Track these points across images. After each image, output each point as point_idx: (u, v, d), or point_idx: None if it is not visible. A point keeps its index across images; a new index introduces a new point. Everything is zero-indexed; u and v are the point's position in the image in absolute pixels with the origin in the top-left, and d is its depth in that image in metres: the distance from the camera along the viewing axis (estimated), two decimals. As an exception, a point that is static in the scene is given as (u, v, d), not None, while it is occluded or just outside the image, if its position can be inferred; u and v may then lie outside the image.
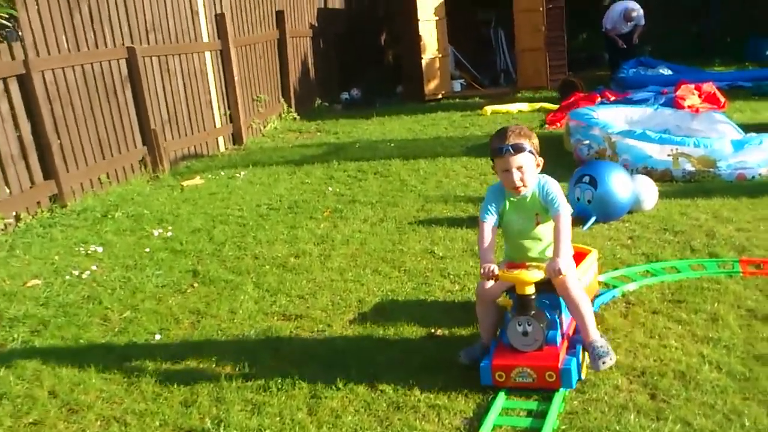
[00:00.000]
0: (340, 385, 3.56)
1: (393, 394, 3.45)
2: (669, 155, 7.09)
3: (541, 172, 3.57)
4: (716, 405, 3.17)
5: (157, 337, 4.29)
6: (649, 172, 7.07)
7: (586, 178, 5.81)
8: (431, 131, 10.73)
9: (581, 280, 3.71)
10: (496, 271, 3.42)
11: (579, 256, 3.99)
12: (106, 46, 8.33)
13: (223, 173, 8.63)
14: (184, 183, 8.18)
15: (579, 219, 5.75)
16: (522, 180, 3.45)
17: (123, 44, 8.57)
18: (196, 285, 5.06)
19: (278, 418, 3.33)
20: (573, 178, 5.97)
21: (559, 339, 3.44)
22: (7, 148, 6.85)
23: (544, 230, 3.57)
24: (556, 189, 3.51)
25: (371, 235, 5.87)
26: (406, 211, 6.49)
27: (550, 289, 3.48)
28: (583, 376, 3.45)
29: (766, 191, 6.25)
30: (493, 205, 3.57)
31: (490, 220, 3.55)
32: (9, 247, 6.16)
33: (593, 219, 5.73)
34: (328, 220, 6.43)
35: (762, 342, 3.68)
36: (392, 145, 9.68)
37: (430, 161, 8.39)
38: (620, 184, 5.76)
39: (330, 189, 7.53)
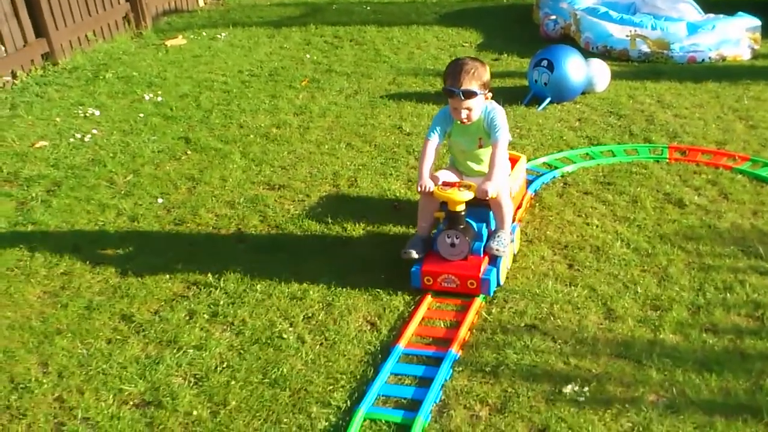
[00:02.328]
0: (318, 249, 4.44)
1: (363, 258, 4.31)
2: (627, 36, 7.79)
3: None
4: (619, 275, 4.09)
5: (159, 200, 5.11)
6: (608, 51, 7.82)
7: (544, 62, 6.52)
8: (407, -8, 11.23)
9: (512, 186, 4.37)
10: (432, 188, 3.97)
11: (510, 162, 4.48)
12: None
13: (204, 33, 9.19)
14: (168, 43, 8.76)
15: (536, 99, 6.54)
16: (468, 117, 3.99)
17: None
18: (189, 152, 5.84)
19: (267, 275, 4.21)
20: (532, 61, 6.68)
21: (483, 250, 4.04)
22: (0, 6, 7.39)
23: (485, 152, 4.13)
24: (500, 119, 4.01)
25: (346, 108, 6.63)
26: (378, 84, 7.21)
27: (479, 204, 4.04)
28: (501, 282, 4.06)
29: (711, 76, 7.04)
30: (440, 127, 4.12)
31: (434, 140, 4.09)
32: (10, 105, 6.85)
33: (548, 100, 6.50)
34: (306, 90, 7.14)
35: (668, 223, 4.57)
36: (368, 8, 10.20)
37: (403, 29, 9.00)
38: (575, 69, 6.49)
39: (308, 56, 8.19)
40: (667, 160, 5.42)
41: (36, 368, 3.57)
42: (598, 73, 6.76)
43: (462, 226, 3.99)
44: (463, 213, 3.99)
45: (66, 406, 3.32)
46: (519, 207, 4.69)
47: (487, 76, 4.02)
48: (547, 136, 5.90)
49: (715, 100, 6.50)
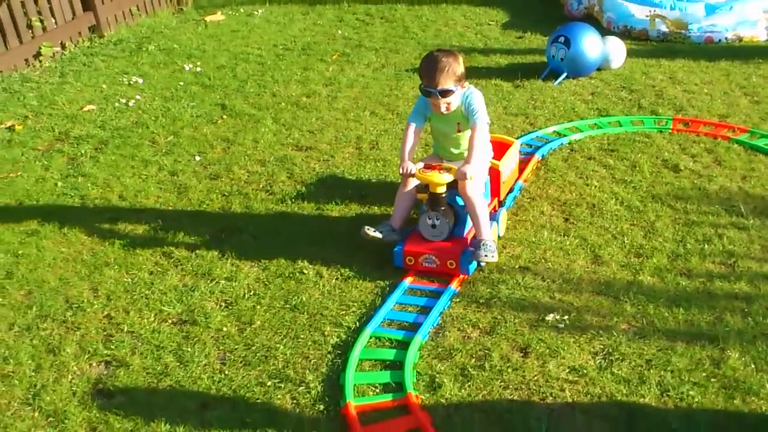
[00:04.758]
0: (338, 202, 4.99)
1: (380, 210, 4.86)
2: (647, 16, 8.23)
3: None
4: (609, 228, 4.59)
5: (197, 158, 5.71)
6: (628, 31, 8.26)
7: (562, 38, 6.98)
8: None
9: (507, 168, 4.73)
10: (414, 171, 4.18)
11: (503, 147, 4.89)
12: None
13: (242, 10, 9.79)
14: (207, 18, 9.37)
15: (553, 74, 7.02)
16: (447, 108, 4.14)
17: None
18: (224, 117, 6.44)
19: (292, 222, 4.79)
20: (551, 37, 7.15)
21: (465, 232, 4.30)
22: (50, -19, 8.04)
23: (465, 136, 4.28)
24: (478, 102, 4.15)
25: (373, 80, 7.17)
26: (405, 59, 7.74)
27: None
28: (483, 265, 4.27)
29: (724, 55, 7.46)
30: (421, 112, 4.30)
31: (415, 124, 4.29)
32: (60, 73, 7.53)
33: (564, 75, 6.97)
34: (337, 63, 7.70)
35: (661, 185, 5.05)
36: (400, -14, 10.75)
37: (432, 8, 9.50)
38: (591, 45, 6.95)
39: (339, 32, 8.74)
40: (670, 131, 5.88)
41: (87, 292, 4.19)
42: (614, 50, 7.20)
43: (443, 208, 4.22)
44: (444, 195, 4.20)
45: (114, 322, 3.94)
46: (515, 183, 5.05)
47: (461, 69, 4.12)
48: (559, 107, 6.39)
49: (725, 77, 6.92)
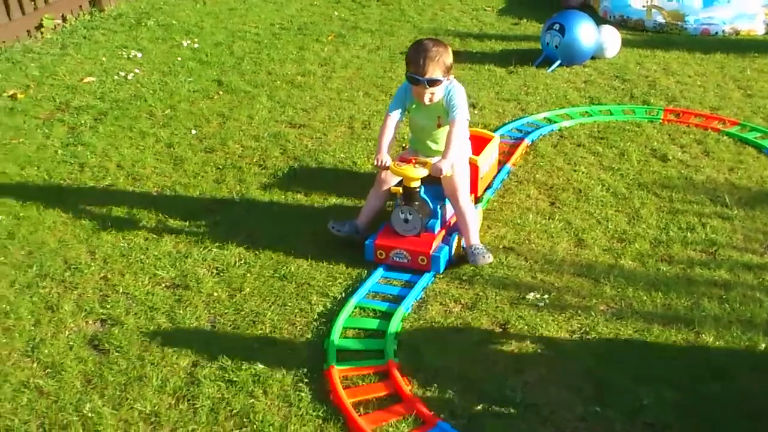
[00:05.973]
0: (329, 178, 5.16)
1: (370, 187, 5.01)
2: (644, 6, 8.38)
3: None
4: (594, 213, 4.75)
5: (193, 131, 5.87)
6: (625, 20, 8.41)
7: (557, 26, 7.13)
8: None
9: (485, 163, 4.73)
10: (389, 163, 4.13)
11: (483, 141, 4.86)
12: None
13: (241, -12, 9.93)
14: (206, -6, 9.51)
15: (546, 61, 7.17)
16: (431, 99, 4.08)
17: None
18: (221, 93, 6.60)
19: (283, 196, 4.96)
20: (545, 24, 7.30)
21: (437, 227, 4.24)
22: (52, -46, 8.16)
23: (444, 131, 4.19)
24: (459, 97, 4.11)
25: (367, 62, 7.33)
26: (400, 41, 7.88)
27: (435, 182, 4.19)
28: (453, 258, 4.29)
29: (720, 48, 7.61)
30: (401, 102, 4.23)
31: (394, 115, 4.20)
32: (61, 45, 7.67)
33: (558, 62, 7.12)
34: (332, 44, 7.86)
35: (648, 174, 5.22)
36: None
37: (430, -8, 9.68)
38: (586, 34, 7.10)
39: (336, 14, 8.89)
40: (661, 121, 6.04)
41: (85, 255, 4.38)
42: (609, 39, 7.35)
43: (417, 203, 4.16)
44: (418, 189, 4.16)
45: (110, 283, 4.13)
46: (490, 185, 5.04)
47: (449, 60, 4.07)
48: (552, 94, 6.54)
49: (719, 70, 7.08)
